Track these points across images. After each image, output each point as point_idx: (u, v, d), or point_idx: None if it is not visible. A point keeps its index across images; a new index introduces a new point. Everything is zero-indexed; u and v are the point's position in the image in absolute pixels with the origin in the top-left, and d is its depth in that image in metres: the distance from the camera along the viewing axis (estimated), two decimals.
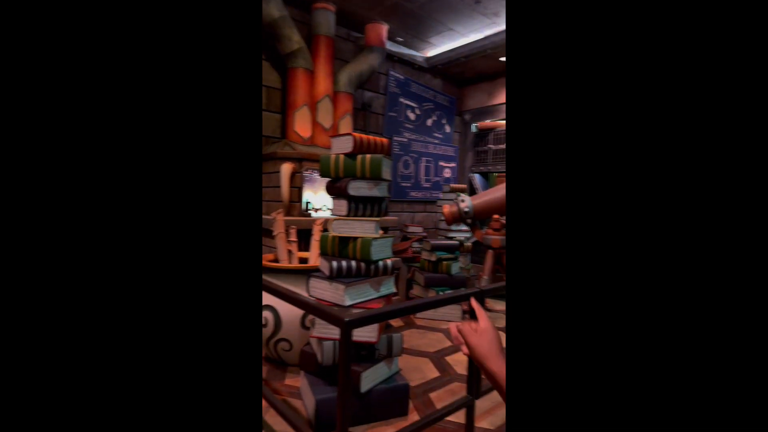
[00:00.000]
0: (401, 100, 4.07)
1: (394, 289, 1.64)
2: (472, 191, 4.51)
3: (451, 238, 3.52)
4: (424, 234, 3.78)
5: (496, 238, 3.10)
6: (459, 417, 1.46)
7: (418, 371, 1.93)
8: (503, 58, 3.79)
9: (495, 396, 1.71)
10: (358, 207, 1.51)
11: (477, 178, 4.58)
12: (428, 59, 4.11)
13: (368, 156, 1.49)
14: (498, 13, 3.15)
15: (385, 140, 1.61)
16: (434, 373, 1.93)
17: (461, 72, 4.25)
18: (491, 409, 1.62)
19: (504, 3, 2.98)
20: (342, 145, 1.52)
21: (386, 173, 1.53)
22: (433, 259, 2.94)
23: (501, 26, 3.36)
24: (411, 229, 3.81)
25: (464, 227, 3.39)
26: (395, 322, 2.77)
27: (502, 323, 2.82)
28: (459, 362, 2.04)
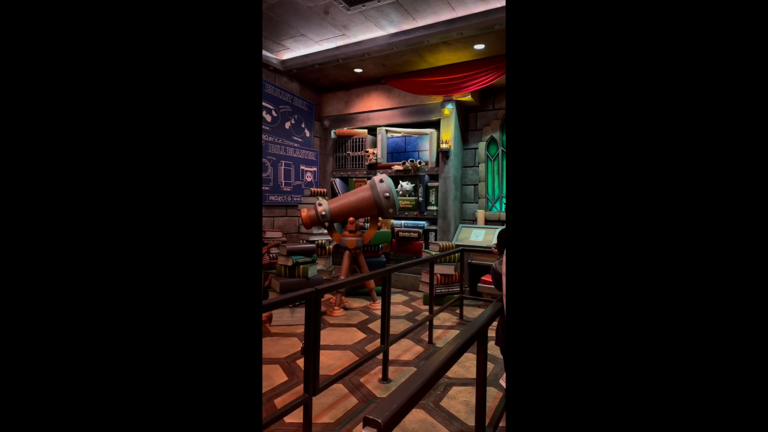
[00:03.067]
0: None
1: None
2: (333, 195, 4.63)
3: (313, 242, 3.53)
4: (284, 239, 3.72)
5: (352, 240, 3.25)
6: (299, 417, 1.48)
7: (266, 379, 1.89)
8: (358, 69, 4.00)
9: (335, 391, 1.79)
10: None
11: (338, 183, 4.72)
12: (283, 62, 4.06)
13: None
14: (347, 26, 3.32)
15: None
16: (282, 378, 1.91)
17: (318, 78, 4.32)
18: (333, 404, 1.69)
19: (351, 17, 3.15)
20: None
21: None
22: (290, 263, 2.91)
23: (351, 38, 3.54)
24: (269, 234, 3.69)
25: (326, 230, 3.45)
26: None
27: (358, 319, 2.97)
28: None
